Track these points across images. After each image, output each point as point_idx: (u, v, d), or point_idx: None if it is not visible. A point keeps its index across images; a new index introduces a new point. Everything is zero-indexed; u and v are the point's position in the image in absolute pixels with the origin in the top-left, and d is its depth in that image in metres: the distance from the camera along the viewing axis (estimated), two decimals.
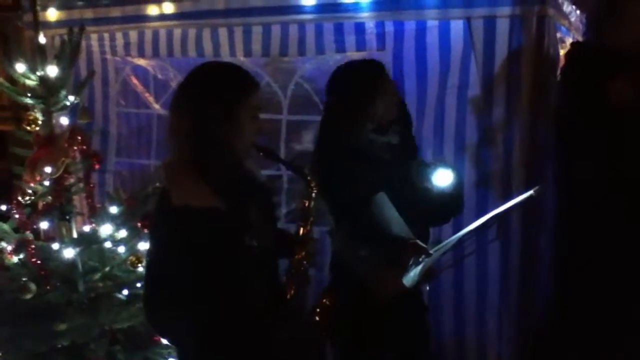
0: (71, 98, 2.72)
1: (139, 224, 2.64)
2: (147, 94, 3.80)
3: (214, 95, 1.73)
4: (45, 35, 3.35)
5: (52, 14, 3.79)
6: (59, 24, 3.73)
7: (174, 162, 1.78)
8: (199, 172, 1.71)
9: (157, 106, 3.79)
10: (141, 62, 3.76)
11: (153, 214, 1.85)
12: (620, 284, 2.72)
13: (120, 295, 2.70)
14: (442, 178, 2.19)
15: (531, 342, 3.00)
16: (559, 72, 2.98)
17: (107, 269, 2.71)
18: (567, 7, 3.35)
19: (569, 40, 3.47)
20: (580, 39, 3.26)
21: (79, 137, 2.70)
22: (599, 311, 2.75)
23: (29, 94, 2.67)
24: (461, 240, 2.16)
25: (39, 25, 2.76)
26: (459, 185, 2.25)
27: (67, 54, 2.70)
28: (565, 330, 2.87)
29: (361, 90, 2.27)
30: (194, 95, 1.75)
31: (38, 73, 2.64)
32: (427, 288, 2.31)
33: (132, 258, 2.69)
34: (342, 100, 2.33)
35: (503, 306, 3.00)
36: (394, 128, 2.29)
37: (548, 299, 3.07)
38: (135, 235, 2.72)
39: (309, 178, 1.95)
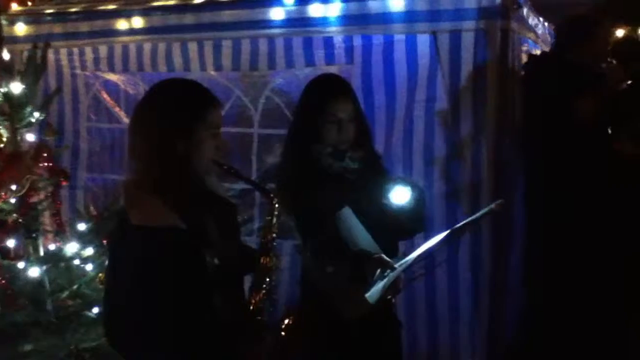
0: (36, 114, 2.69)
1: (104, 241, 2.61)
2: (117, 109, 3.78)
3: (171, 113, 1.71)
4: (13, 50, 3.31)
5: (20, 29, 3.76)
6: (27, 38, 3.71)
7: (133, 180, 1.77)
8: (157, 190, 1.69)
9: (127, 121, 3.76)
10: (111, 76, 3.75)
11: (112, 233, 1.83)
12: (593, 293, 2.77)
13: (90, 314, 2.67)
14: (400, 196, 2.19)
15: (503, 352, 3.03)
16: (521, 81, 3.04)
17: (75, 287, 2.68)
18: (533, 20, 3.42)
19: (537, 53, 3.54)
20: (547, 49, 3.33)
21: (45, 154, 2.67)
22: (572, 319, 2.80)
23: None
24: (425, 253, 2.16)
25: (3, 40, 2.72)
26: (419, 202, 2.25)
27: (32, 70, 2.67)
28: (538, 339, 2.91)
29: (306, 118, 2.28)
30: (151, 113, 1.74)
31: (2, 89, 2.61)
32: (394, 300, 2.31)
33: (101, 275, 2.66)
34: (294, 124, 2.36)
35: (475, 317, 3.02)
36: (352, 154, 2.29)
37: (520, 308, 3.11)
38: (103, 253, 2.69)
39: (271, 195, 1.94)
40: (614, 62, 2.93)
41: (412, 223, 2.27)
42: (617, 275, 2.76)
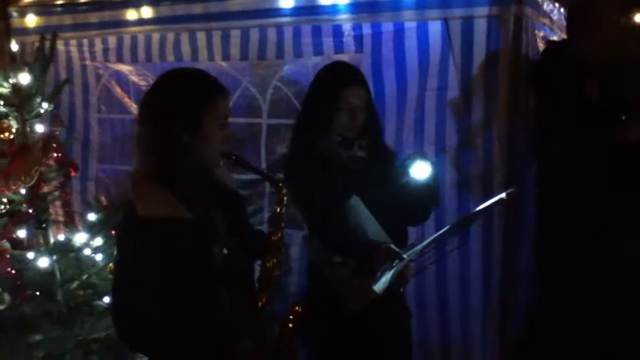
0: (45, 105, 2.69)
1: (113, 232, 2.61)
2: (127, 99, 3.78)
3: (178, 103, 1.70)
4: (24, 42, 3.32)
5: (31, 20, 3.77)
6: (37, 30, 3.71)
7: (139, 171, 1.76)
8: (164, 181, 1.69)
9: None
10: (120, 67, 3.74)
11: (119, 225, 1.83)
12: (601, 287, 2.71)
13: (100, 303, 2.68)
14: (421, 170, 2.16)
15: (513, 347, 2.99)
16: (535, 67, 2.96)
17: (85, 277, 2.68)
18: (548, 6, 3.34)
19: (553, 39, 3.46)
20: (564, 36, 3.24)
21: (54, 145, 2.67)
22: (580, 314, 2.75)
23: (1, 102, 2.64)
24: (435, 243, 2.13)
25: (11, 31, 2.73)
26: (435, 177, 2.21)
27: (41, 60, 2.67)
28: (547, 334, 2.87)
29: (318, 105, 2.25)
30: (158, 104, 1.73)
31: (11, 80, 2.61)
32: (402, 290, 2.28)
33: (111, 265, 2.66)
34: (304, 112, 2.32)
35: (486, 310, 2.97)
36: (360, 142, 2.26)
37: (530, 303, 3.07)
38: (113, 243, 2.69)
39: (280, 184, 1.92)
40: None
41: (430, 200, 2.23)
42: (626, 271, 2.70)
